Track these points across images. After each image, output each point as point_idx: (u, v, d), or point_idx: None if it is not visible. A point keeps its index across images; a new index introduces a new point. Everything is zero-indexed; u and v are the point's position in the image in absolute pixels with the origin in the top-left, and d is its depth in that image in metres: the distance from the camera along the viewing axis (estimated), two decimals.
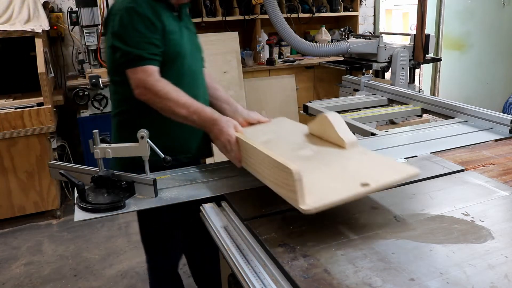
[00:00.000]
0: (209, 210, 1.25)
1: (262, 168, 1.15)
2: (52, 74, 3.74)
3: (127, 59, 1.47)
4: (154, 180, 1.29)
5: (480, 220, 1.10)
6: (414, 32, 3.95)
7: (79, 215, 1.23)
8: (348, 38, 4.23)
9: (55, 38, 4.07)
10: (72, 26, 3.98)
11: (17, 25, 3.24)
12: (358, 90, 3.00)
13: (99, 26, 3.88)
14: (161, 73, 1.50)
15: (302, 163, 1.24)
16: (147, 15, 1.49)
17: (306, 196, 0.98)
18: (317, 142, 1.40)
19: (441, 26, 5.18)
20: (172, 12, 1.62)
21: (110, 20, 1.53)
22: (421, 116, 2.64)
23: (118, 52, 1.49)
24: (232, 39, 4.25)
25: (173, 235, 1.78)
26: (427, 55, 3.88)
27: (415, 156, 1.58)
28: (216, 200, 1.31)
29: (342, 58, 4.35)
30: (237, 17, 4.41)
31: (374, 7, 5.34)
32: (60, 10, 4.09)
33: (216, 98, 1.80)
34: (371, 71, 3.98)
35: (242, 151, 1.34)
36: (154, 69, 1.47)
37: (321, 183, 1.08)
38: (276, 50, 4.68)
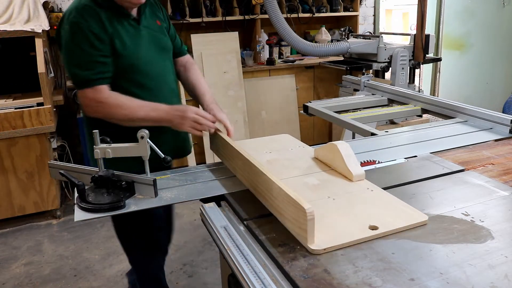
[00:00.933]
0: (209, 210, 1.25)
1: (269, 195, 1.15)
2: (52, 74, 3.73)
3: (75, 81, 1.47)
4: (154, 180, 1.29)
5: (480, 220, 1.10)
6: (414, 32, 3.95)
7: (79, 215, 1.23)
8: (348, 38, 4.23)
9: (55, 38, 4.07)
10: None
11: (17, 25, 3.24)
12: (358, 90, 3.00)
13: None
14: (118, 82, 1.50)
15: (308, 193, 1.25)
16: (92, 30, 1.43)
17: (315, 235, 0.98)
18: (323, 169, 1.42)
19: (441, 26, 5.18)
20: (127, 18, 1.54)
21: (60, 33, 1.50)
22: (421, 116, 2.64)
23: (67, 71, 1.49)
24: (232, 39, 4.25)
25: (153, 235, 1.79)
26: (427, 55, 3.88)
27: (415, 156, 1.58)
28: (216, 200, 1.31)
29: (342, 58, 4.35)
30: (237, 17, 4.41)
31: (374, 7, 5.34)
32: (60, 10, 4.09)
33: (185, 81, 1.78)
34: (371, 71, 3.98)
35: (247, 171, 1.30)
36: (103, 87, 1.46)
37: (328, 220, 1.08)
38: (276, 50, 4.68)
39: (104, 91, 1.45)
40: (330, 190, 1.26)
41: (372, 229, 1.03)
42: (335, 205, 1.17)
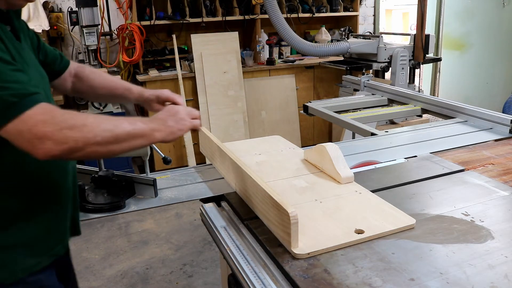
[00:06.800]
0: (209, 210, 1.25)
1: (255, 199, 1.14)
2: None
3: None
4: (154, 180, 1.29)
5: (480, 220, 1.10)
6: (414, 32, 3.95)
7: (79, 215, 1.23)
8: (348, 38, 4.24)
9: (55, 38, 4.08)
10: (72, 26, 3.98)
11: None
12: (358, 90, 3.01)
13: (99, 26, 3.88)
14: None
15: (296, 195, 1.24)
16: None
17: (299, 239, 0.97)
18: (312, 171, 1.41)
19: (441, 26, 5.18)
20: (7, 25, 1.02)
21: None
22: (421, 116, 2.64)
23: None
24: (232, 39, 4.25)
25: None
26: (427, 55, 3.89)
27: (415, 156, 1.58)
28: (216, 200, 1.31)
29: (342, 58, 4.35)
30: (237, 17, 4.41)
31: (374, 7, 5.34)
32: (60, 10, 4.09)
33: (115, 88, 1.36)
34: (371, 71, 3.98)
35: (235, 176, 1.30)
36: (49, 104, 0.91)
37: (314, 223, 1.08)
38: (276, 50, 4.68)
39: (57, 108, 0.92)
40: (318, 193, 1.25)
41: (358, 233, 1.03)
42: (322, 208, 1.16)
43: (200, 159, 4.07)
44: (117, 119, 0.98)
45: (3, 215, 1.02)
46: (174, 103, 1.31)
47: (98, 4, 3.89)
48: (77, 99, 3.62)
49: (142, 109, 4.29)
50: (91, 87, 1.36)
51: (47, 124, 0.87)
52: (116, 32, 4.17)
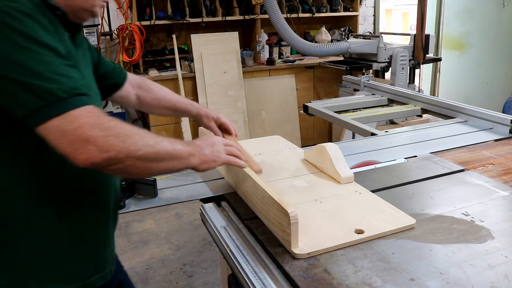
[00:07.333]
0: (209, 210, 1.25)
1: (255, 199, 1.14)
2: None
3: (44, 103, 0.81)
4: (154, 180, 1.29)
5: (480, 220, 1.10)
6: (414, 32, 3.95)
7: None
8: (348, 38, 4.24)
9: None
10: None
11: None
12: (358, 90, 3.01)
13: (99, 26, 3.88)
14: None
15: (296, 195, 1.24)
16: (44, 22, 0.86)
17: (299, 239, 0.97)
18: (312, 171, 1.41)
19: (441, 26, 5.18)
20: (67, 32, 0.98)
21: None
22: (421, 116, 2.64)
23: (18, 92, 0.82)
24: (232, 39, 4.25)
25: None
26: (427, 55, 3.89)
27: (415, 156, 1.58)
28: (216, 200, 1.31)
29: (342, 58, 4.35)
30: (237, 17, 4.41)
31: (374, 7, 5.34)
32: None
33: (179, 101, 1.41)
34: (371, 71, 3.98)
35: (235, 176, 1.30)
36: (97, 108, 0.88)
37: (314, 223, 1.08)
38: (276, 50, 4.68)
39: (103, 113, 0.88)
40: (318, 193, 1.25)
41: (358, 233, 1.03)
42: (322, 208, 1.16)
43: None
44: (156, 136, 0.94)
45: (26, 232, 0.94)
46: (227, 129, 1.39)
47: None
48: None
49: (142, 112, 4.29)
50: (157, 99, 1.39)
51: (93, 127, 0.82)
52: (116, 32, 4.17)
